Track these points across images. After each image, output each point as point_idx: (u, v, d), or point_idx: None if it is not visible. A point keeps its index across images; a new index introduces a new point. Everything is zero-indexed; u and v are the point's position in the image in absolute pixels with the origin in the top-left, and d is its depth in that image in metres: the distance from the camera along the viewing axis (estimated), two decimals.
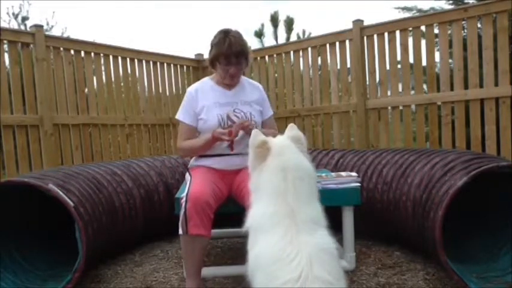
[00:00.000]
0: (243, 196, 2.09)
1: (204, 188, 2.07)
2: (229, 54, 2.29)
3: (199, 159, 2.39)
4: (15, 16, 8.98)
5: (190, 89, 2.46)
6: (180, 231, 2.02)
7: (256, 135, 1.59)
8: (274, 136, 1.66)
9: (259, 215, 1.46)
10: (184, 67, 5.06)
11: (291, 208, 1.40)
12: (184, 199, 2.02)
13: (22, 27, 8.46)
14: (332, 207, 2.40)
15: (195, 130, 2.40)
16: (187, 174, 2.37)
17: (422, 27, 3.83)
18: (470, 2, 4.95)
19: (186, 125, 2.40)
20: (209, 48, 2.41)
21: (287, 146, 1.56)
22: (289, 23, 8.97)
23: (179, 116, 2.43)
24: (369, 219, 2.78)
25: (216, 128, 2.29)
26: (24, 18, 9.00)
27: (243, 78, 2.53)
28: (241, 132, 2.28)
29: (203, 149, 2.34)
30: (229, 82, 2.41)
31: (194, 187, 2.07)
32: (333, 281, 1.23)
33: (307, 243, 1.29)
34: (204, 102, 2.37)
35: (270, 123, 2.56)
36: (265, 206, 1.45)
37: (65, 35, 8.38)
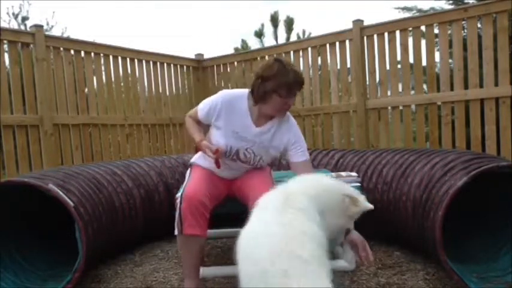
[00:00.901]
0: (247, 195, 2.08)
1: (199, 188, 2.04)
2: (294, 85, 2.10)
3: (199, 159, 2.38)
4: (15, 16, 8.98)
5: (222, 99, 2.19)
6: (176, 231, 2.01)
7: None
8: None
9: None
10: (184, 67, 5.06)
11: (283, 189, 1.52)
12: (179, 199, 2.01)
13: (22, 27, 8.46)
14: None
15: (201, 123, 2.29)
16: (188, 172, 2.35)
17: (422, 27, 3.83)
18: (470, 2, 4.95)
19: (197, 115, 2.26)
20: (260, 79, 2.12)
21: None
22: (289, 23, 8.96)
23: (200, 108, 2.25)
24: (369, 219, 2.77)
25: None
26: (24, 18, 9.00)
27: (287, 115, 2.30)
28: (243, 166, 2.24)
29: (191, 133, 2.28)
30: (282, 116, 2.23)
31: (189, 187, 2.05)
32: (309, 258, 1.20)
33: (290, 224, 1.30)
34: (224, 124, 2.17)
35: (305, 168, 2.16)
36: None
37: (65, 35, 8.38)
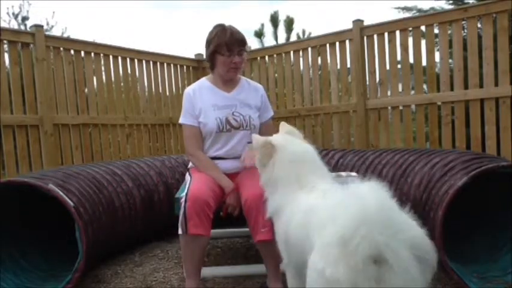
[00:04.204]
0: (241, 193, 2.11)
1: (203, 188, 2.07)
2: (232, 43, 2.24)
3: None
4: (15, 16, 8.96)
5: (188, 90, 2.38)
6: (180, 231, 2.03)
7: (257, 138, 1.75)
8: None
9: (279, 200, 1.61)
10: (184, 67, 5.05)
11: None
12: (183, 199, 2.02)
13: (22, 27, 8.45)
14: None
15: (200, 130, 2.33)
16: (187, 175, 2.37)
17: (422, 27, 3.82)
18: (470, 2, 4.95)
19: (192, 128, 2.32)
20: (206, 45, 2.33)
21: (287, 140, 1.72)
22: (289, 23, 8.95)
23: (183, 120, 2.34)
24: None
25: (215, 131, 2.27)
26: (24, 18, 8.99)
27: (243, 79, 2.47)
28: (240, 134, 2.29)
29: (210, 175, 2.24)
30: (233, 75, 2.34)
31: (193, 187, 2.07)
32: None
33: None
34: (202, 104, 2.31)
35: (268, 126, 2.43)
36: (284, 194, 1.59)
37: (65, 35, 8.37)
